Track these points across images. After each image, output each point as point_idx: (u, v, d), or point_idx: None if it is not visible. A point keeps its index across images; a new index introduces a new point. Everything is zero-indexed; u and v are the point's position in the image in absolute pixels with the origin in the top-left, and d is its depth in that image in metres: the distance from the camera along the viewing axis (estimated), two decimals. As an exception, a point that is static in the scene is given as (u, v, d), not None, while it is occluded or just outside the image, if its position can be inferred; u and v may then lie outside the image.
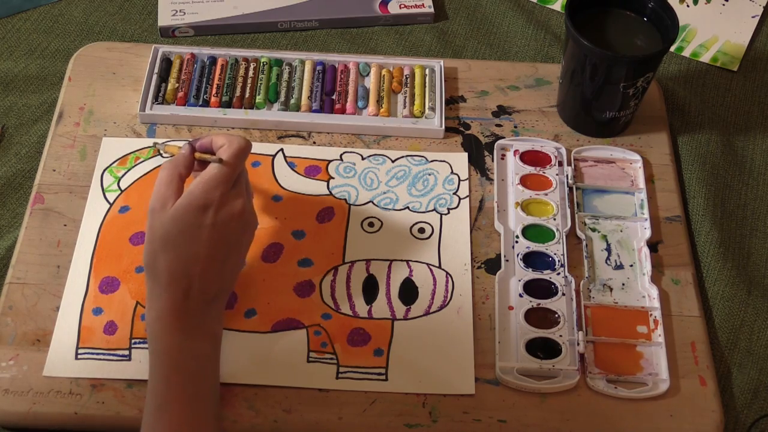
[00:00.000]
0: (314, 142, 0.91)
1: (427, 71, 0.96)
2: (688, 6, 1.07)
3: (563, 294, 0.81)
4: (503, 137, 0.92)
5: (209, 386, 0.69)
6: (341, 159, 0.89)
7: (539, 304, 0.80)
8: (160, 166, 0.87)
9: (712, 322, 0.82)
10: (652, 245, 0.85)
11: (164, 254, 0.69)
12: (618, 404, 0.76)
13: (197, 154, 0.74)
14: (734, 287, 0.84)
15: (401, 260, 0.83)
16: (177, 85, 0.93)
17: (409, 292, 0.81)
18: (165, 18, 1.01)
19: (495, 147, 0.91)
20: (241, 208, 0.71)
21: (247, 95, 0.92)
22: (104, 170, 0.87)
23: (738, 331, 0.82)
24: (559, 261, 0.83)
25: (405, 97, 0.94)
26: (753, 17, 1.06)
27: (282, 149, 0.89)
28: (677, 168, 0.92)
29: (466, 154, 0.90)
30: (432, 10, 1.04)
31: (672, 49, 1.02)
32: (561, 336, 0.78)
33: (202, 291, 0.69)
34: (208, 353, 0.70)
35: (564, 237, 0.84)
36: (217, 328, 0.72)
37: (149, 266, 0.70)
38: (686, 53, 1.03)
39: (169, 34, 1.01)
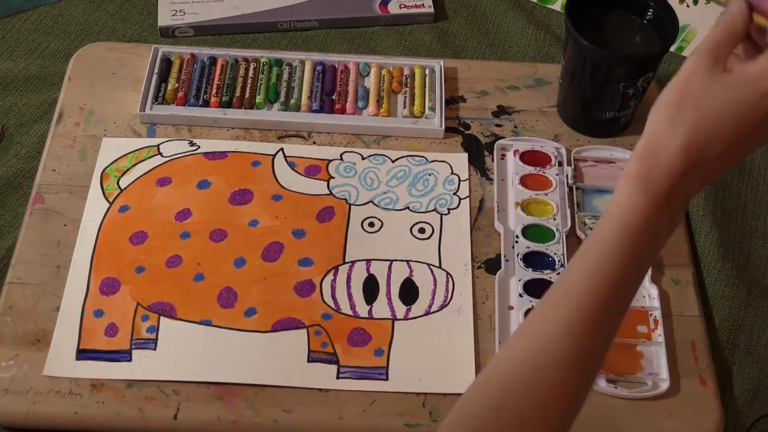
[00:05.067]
0: (314, 142, 0.91)
1: (427, 71, 0.96)
2: (688, 6, 1.07)
3: (563, 294, 0.81)
4: (503, 137, 0.92)
5: (641, 275, 0.58)
6: (341, 159, 0.89)
7: (539, 304, 0.80)
8: (160, 166, 0.87)
9: (712, 322, 0.82)
10: (652, 245, 0.85)
11: (695, 114, 0.56)
12: (618, 404, 0.76)
13: (759, 18, 0.59)
14: (734, 287, 0.84)
15: (401, 260, 0.83)
16: (177, 85, 0.93)
17: (409, 292, 0.81)
18: (165, 18, 1.01)
19: (495, 147, 0.91)
20: None
21: (247, 95, 0.92)
22: (104, 170, 0.87)
23: (738, 331, 0.82)
24: (559, 261, 0.83)
25: (405, 97, 0.94)
26: (753, 17, 1.06)
27: (282, 149, 0.89)
28: (677, 168, 0.92)
29: (466, 154, 0.90)
30: (432, 10, 1.04)
31: (672, 49, 1.02)
32: (561, 336, 0.78)
33: (704, 175, 0.57)
34: (663, 240, 0.58)
35: (564, 237, 0.84)
36: (680, 218, 0.59)
37: (667, 109, 0.57)
38: (686, 53, 1.03)
39: (169, 34, 1.01)
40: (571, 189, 0.88)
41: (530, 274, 0.82)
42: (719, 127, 0.56)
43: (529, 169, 0.89)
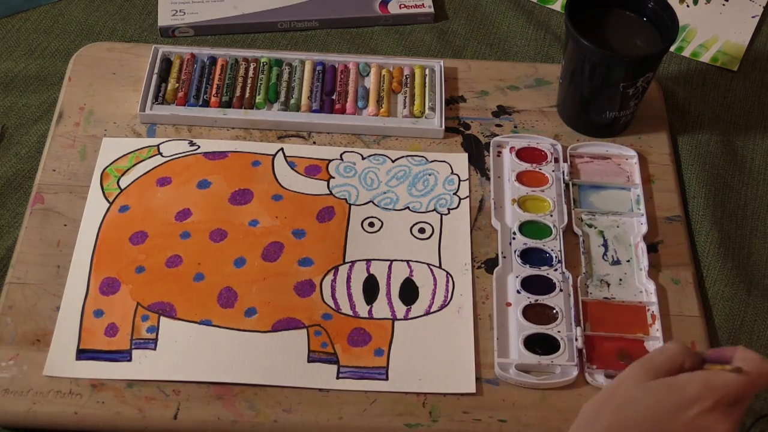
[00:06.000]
0: (314, 142, 0.91)
1: (427, 71, 0.96)
2: (688, 6, 1.07)
3: (561, 290, 0.81)
4: (503, 137, 0.92)
5: None
6: (341, 159, 0.89)
7: (537, 300, 0.80)
8: (160, 166, 0.87)
9: (712, 322, 0.82)
10: (652, 245, 0.85)
11: (614, 418, 0.59)
12: (618, 403, 0.76)
13: (706, 365, 0.62)
14: (734, 287, 0.84)
15: (401, 260, 0.83)
16: (177, 85, 0.93)
17: (409, 292, 0.81)
18: (165, 18, 1.01)
19: (491, 144, 0.91)
20: None
21: (247, 95, 0.92)
22: (104, 170, 0.87)
23: (738, 331, 0.82)
24: (556, 257, 0.83)
25: (405, 97, 0.94)
26: (753, 17, 1.06)
27: (282, 149, 0.89)
28: (677, 168, 0.92)
29: (467, 154, 0.90)
30: (432, 10, 1.04)
31: (672, 49, 1.02)
32: (559, 332, 0.79)
33: None
34: None
35: (561, 233, 0.84)
36: None
37: (588, 413, 0.61)
38: (686, 53, 1.03)
39: (169, 34, 1.01)
40: (567, 185, 0.88)
41: (527, 271, 0.82)
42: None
43: (525, 166, 0.89)
